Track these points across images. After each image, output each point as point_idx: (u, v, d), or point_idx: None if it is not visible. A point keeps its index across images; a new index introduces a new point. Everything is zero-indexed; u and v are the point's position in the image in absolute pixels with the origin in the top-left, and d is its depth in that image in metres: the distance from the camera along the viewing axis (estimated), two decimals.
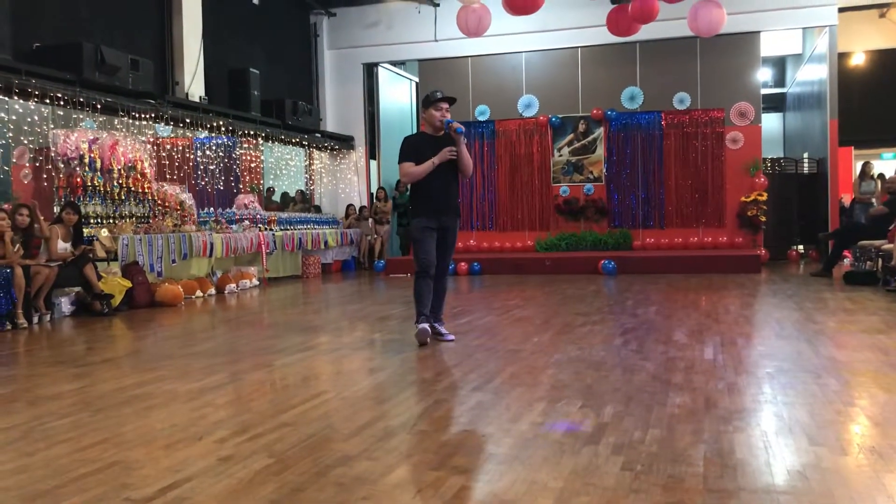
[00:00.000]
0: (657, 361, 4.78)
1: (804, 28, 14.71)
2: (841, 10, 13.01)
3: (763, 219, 13.26)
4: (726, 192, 13.55)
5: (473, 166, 14.58)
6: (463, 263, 12.54)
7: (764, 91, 14.55)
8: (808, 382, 4.10)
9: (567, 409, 3.63)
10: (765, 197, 13.25)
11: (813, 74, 14.82)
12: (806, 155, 15.09)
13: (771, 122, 17.70)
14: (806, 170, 14.68)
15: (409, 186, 5.90)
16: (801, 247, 14.38)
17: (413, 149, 5.70)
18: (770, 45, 14.83)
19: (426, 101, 5.77)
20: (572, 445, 3.07)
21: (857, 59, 16.37)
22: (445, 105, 5.71)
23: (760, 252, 12.56)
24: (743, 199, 13.37)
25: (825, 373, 4.33)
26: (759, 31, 13.36)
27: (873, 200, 12.63)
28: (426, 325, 5.62)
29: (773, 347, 5.25)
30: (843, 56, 14.61)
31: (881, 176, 13.64)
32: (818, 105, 14.08)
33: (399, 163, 5.76)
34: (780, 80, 18.78)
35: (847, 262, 11.30)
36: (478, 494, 2.60)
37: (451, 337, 5.77)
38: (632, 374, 4.42)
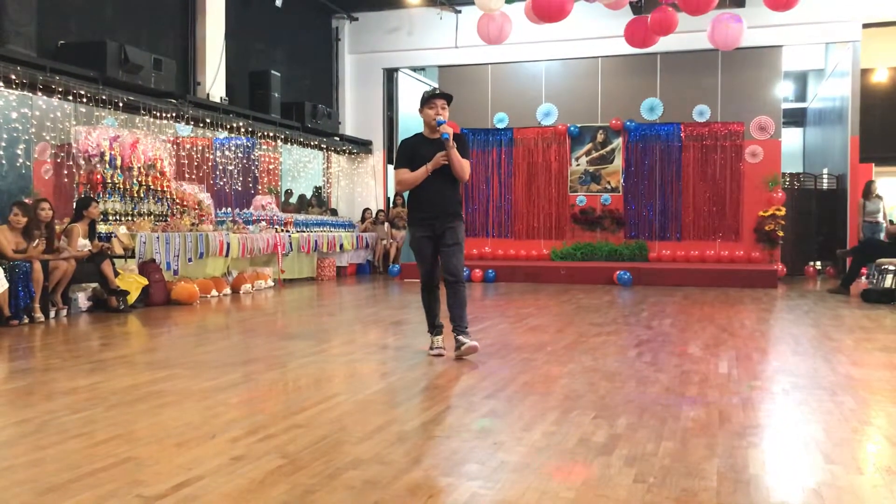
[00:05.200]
0: (671, 374, 4.75)
1: (827, 43, 14.63)
2: (864, 25, 12.93)
3: (781, 234, 13.18)
4: (744, 205, 13.47)
5: (490, 174, 14.90)
6: (478, 270, 12.55)
7: (785, 105, 14.48)
8: (823, 399, 4.07)
9: (580, 420, 3.61)
10: (783, 212, 13.18)
11: (835, 90, 14.73)
12: (825, 171, 14.98)
13: (791, 137, 17.60)
14: (825, 186, 14.58)
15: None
16: (818, 263, 14.26)
17: (410, 153, 5.43)
18: (792, 60, 14.76)
19: (421, 101, 5.47)
20: (585, 456, 3.06)
21: (880, 76, 16.23)
22: (440, 102, 5.37)
23: (777, 267, 12.47)
24: (761, 213, 13.29)
25: (841, 390, 4.29)
26: (781, 46, 13.29)
27: (879, 219, 12.49)
28: (442, 348, 5.43)
29: (789, 363, 5.20)
30: (865, 72, 14.49)
31: None
32: (839, 121, 13.99)
33: (395, 168, 5.56)
34: (801, 95, 18.68)
35: (864, 279, 11.20)
36: (489, 502, 2.59)
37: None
38: (646, 386, 4.40)
